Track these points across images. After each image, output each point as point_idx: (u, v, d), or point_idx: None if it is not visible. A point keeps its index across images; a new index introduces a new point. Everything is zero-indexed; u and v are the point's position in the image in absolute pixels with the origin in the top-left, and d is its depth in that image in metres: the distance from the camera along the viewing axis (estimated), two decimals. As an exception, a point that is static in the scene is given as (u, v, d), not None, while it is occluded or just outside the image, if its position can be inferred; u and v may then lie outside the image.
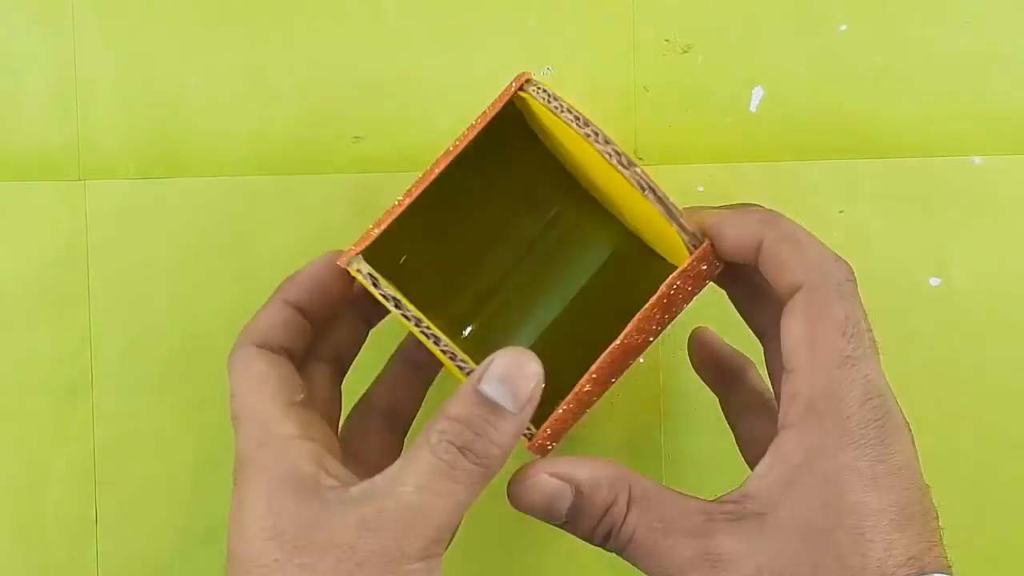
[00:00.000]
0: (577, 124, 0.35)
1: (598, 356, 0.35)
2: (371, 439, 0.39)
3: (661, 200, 0.34)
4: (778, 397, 0.35)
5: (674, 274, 0.35)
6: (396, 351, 0.41)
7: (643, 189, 0.34)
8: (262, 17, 0.45)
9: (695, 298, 0.36)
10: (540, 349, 0.33)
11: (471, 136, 0.36)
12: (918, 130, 0.45)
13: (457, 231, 0.42)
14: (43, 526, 0.45)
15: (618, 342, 0.34)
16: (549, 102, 0.35)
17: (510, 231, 0.43)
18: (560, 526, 0.33)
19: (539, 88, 0.35)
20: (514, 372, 0.31)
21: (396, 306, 0.34)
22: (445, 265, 0.43)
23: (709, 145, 0.45)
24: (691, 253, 0.35)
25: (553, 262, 0.43)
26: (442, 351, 0.34)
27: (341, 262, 0.35)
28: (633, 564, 0.33)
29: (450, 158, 0.36)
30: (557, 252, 0.43)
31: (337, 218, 0.45)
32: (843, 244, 0.45)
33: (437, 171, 0.35)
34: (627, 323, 0.35)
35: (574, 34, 0.45)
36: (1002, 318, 0.45)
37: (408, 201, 0.35)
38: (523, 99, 0.36)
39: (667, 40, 0.45)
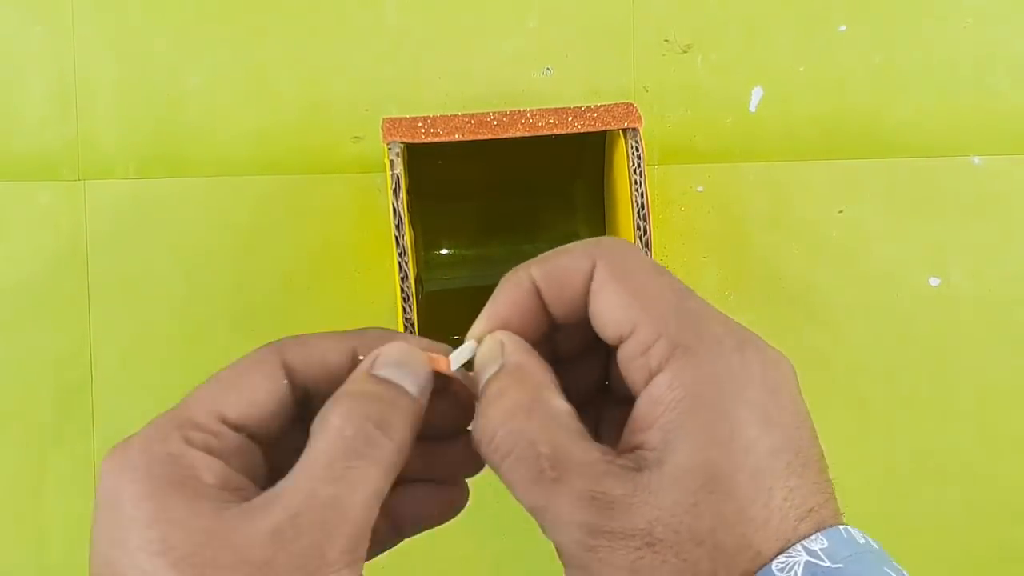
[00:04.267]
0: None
1: None
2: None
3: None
4: (622, 393, 0.30)
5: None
6: None
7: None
8: (262, 17, 0.45)
9: None
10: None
11: (561, 130, 0.38)
12: (918, 130, 0.45)
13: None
14: (43, 526, 0.45)
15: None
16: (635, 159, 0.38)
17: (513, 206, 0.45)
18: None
19: (637, 142, 0.38)
20: (408, 357, 0.29)
21: (398, 225, 0.37)
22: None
23: (709, 145, 0.45)
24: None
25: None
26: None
27: (386, 137, 0.38)
28: (506, 483, 0.29)
29: (533, 132, 0.38)
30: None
31: (337, 218, 0.45)
32: (843, 244, 0.45)
33: (514, 134, 0.38)
34: None
35: (574, 34, 0.45)
36: (1001, 318, 0.45)
37: (467, 137, 0.38)
38: (616, 135, 0.38)
39: (667, 40, 0.45)
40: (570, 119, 0.38)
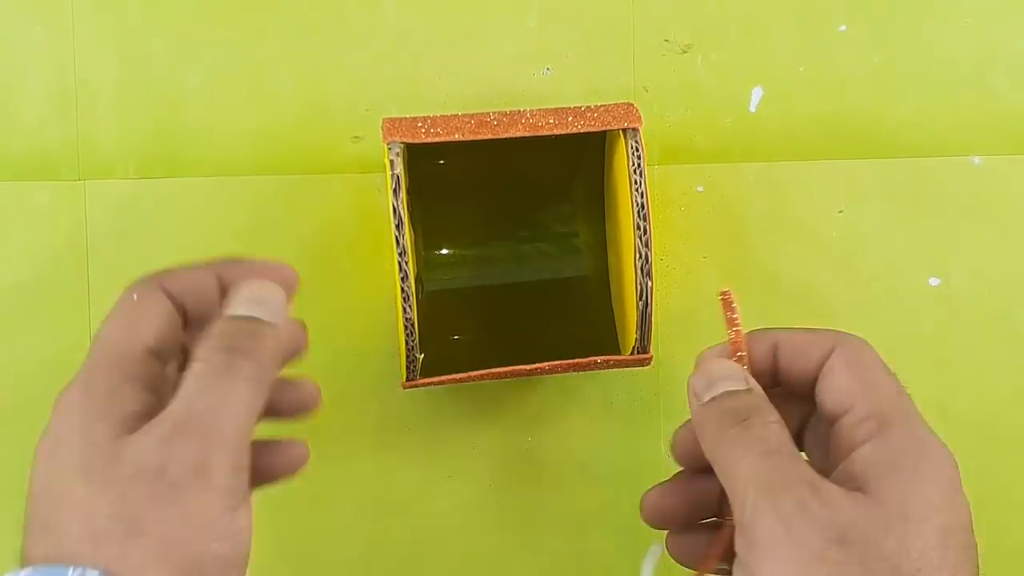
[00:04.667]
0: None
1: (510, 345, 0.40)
2: None
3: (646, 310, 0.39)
4: None
5: (604, 357, 0.40)
6: None
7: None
8: (262, 17, 0.45)
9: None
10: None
11: (561, 130, 0.38)
12: (917, 130, 0.45)
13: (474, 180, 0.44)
14: (43, 526, 0.45)
15: (526, 367, 0.39)
16: (636, 159, 0.38)
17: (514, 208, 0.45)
18: (705, 400, 0.34)
19: (637, 142, 0.38)
20: (261, 291, 0.34)
21: (398, 225, 0.38)
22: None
23: (709, 145, 0.45)
24: (634, 352, 0.39)
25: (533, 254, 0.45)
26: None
27: (386, 138, 0.38)
28: (719, 451, 0.32)
29: (533, 132, 0.38)
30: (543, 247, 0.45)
31: (337, 218, 0.45)
32: (843, 244, 0.45)
33: (514, 134, 0.38)
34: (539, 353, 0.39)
35: (574, 34, 0.45)
36: (1001, 318, 0.45)
37: (467, 137, 0.38)
38: (617, 135, 0.39)
39: (667, 40, 0.45)
40: (570, 119, 0.38)
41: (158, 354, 0.34)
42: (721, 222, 0.45)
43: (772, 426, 0.32)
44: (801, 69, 0.45)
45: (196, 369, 0.32)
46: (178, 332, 0.35)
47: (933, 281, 0.45)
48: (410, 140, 0.38)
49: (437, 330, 0.41)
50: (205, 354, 0.32)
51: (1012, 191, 0.45)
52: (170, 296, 0.35)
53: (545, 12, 0.45)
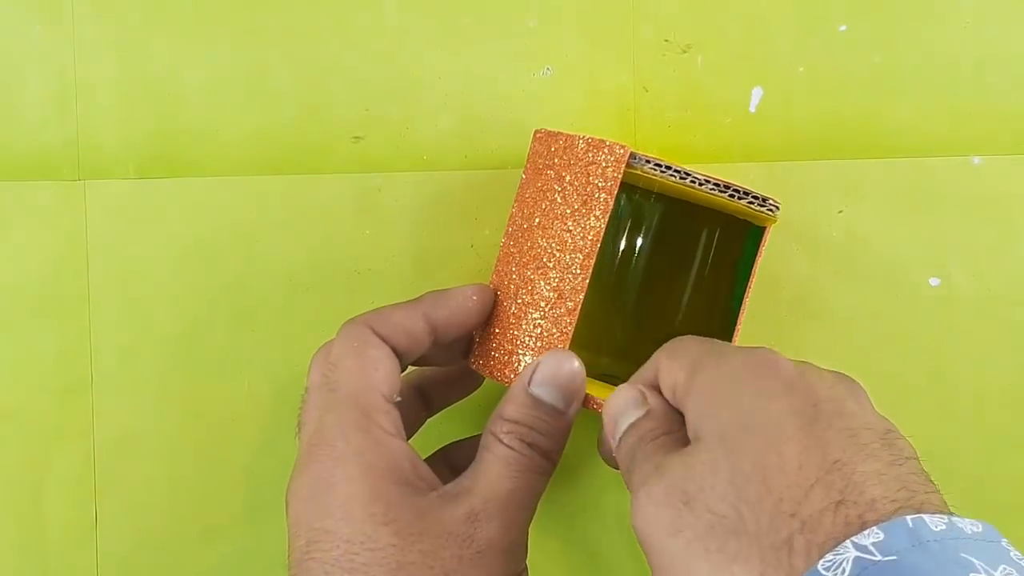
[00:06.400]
0: (719, 190, 0.38)
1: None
2: None
3: (762, 201, 0.39)
4: None
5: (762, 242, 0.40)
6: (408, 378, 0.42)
7: (774, 211, 0.39)
8: (262, 17, 0.45)
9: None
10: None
11: (599, 236, 0.37)
12: (917, 130, 0.45)
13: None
14: (43, 526, 0.45)
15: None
16: (683, 178, 0.38)
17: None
18: (617, 438, 0.35)
19: (656, 164, 0.37)
20: (560, 374, 0.36)
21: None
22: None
23: (709, 145, 0.45)
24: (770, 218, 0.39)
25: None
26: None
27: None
28: (626, 479, 0.34)
29: (596, 248, 0.37)
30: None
31: (337, 218, 0.45)
32: (843, 244, 0.45)
33: (590, 264, 0.37)
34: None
35: (574, 34, 0.45)
36: (1001, 318, 0.45)
37: (580, 301, 0.37)
38: (633, 173, 0.37)
39: (667, 40, 0.45)
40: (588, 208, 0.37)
41: (392, 399, 0.36)
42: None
43: (654, 442, 0.33)
44: (801, 69, 0.45)
45: (504, 454, 0.35)
46: (398, 375, 0.37)
47: (933, 281, 0.45)
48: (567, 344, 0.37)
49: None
50: (509, 440, 0.35)
51: (1012, 191, 0.45)
52: (383, 339, 0.37)
53: (545, 12, 0.45)
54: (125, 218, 0.45)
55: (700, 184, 0.37)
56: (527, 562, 0.36)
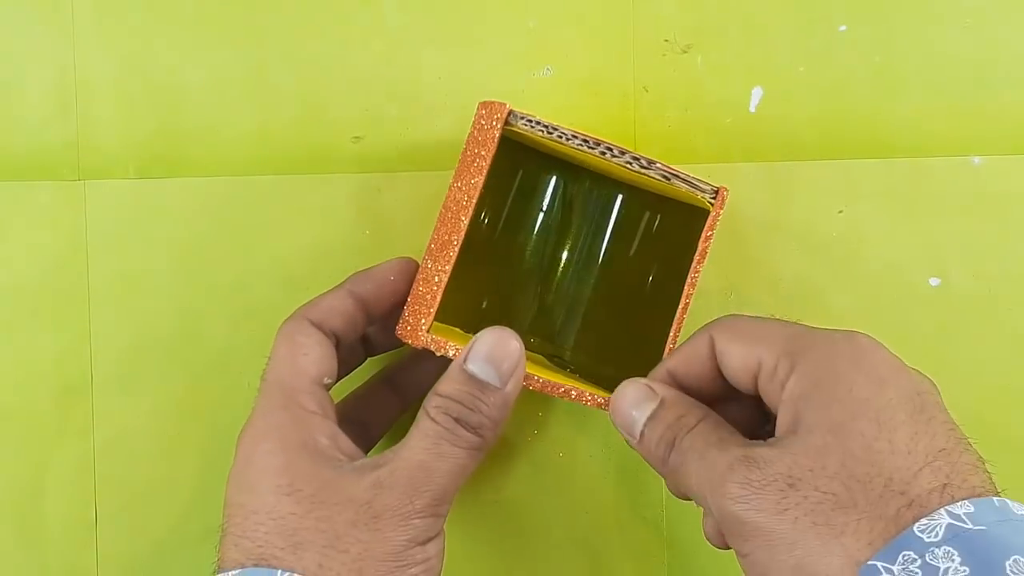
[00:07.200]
0: (588, 146, 0.38)
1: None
2: None
3: (685, 181, 0.38)
4: None
5: (706, 227, 0.39)
6: (378, 371, 0.44)
7: (668, 179, 0.38)
8: (262, 17, 0.45)
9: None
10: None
11: (478, 192, 0.38)
12: (917, 130, 0.45)
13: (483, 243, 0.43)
14: (43, 526, 0.45)
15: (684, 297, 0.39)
16: (533, 127, 0.38)
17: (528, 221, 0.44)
18: (637, 434, 0.36)
19: (531, 121, 0.38)
20: (496, 351, 0.35)
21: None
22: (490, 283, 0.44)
23: (709, 145, 0.45)
24: (712, 207, 0.39)
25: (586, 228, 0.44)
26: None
27: (416, 342, 0.38)
28: (676, 478, 0.35)
29: (468, 215, 0.38)
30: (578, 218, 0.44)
31: (337, 218, 0.45)
32: (843, 244, 0.45)
33: (462, 233, 0.38)
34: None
35: (574, 34, 0.45)
36: (1001, 318, 0.45)
37: (449, 269, 0.38)
38: (512, 130, 0.38)
39: (667, 40, 0.45)
40: (460, 176, 0.38)
41: (321, 381, 0.37)
42: (721, 222, 0.45)
43: (692, 431, 0.35)
44: (801, 69, 0.45)
45: (425, 427, 0.35)
46: (333, 357, 0.38)
47: (933, 281, 0.45)
48: (431, 321, 0.38)
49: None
50: (435, 413, 0.35)
51: (1012, 191, 0.45)
52: (317, 326, 0.38)
53: (545, 12, 0.45)
54: (125, 218, 0.45)
55: (567, 139, 0.38)
56: (444, 543, 0.36)
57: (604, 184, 0.43)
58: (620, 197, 0.43)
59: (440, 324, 0.40)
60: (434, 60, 0.45)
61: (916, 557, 0.28)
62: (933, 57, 0.45)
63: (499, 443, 0.45)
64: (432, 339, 0.38)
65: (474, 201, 0.37)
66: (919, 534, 0.29)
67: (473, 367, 0.35)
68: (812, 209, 0.45)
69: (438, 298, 0.38)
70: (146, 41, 0.45)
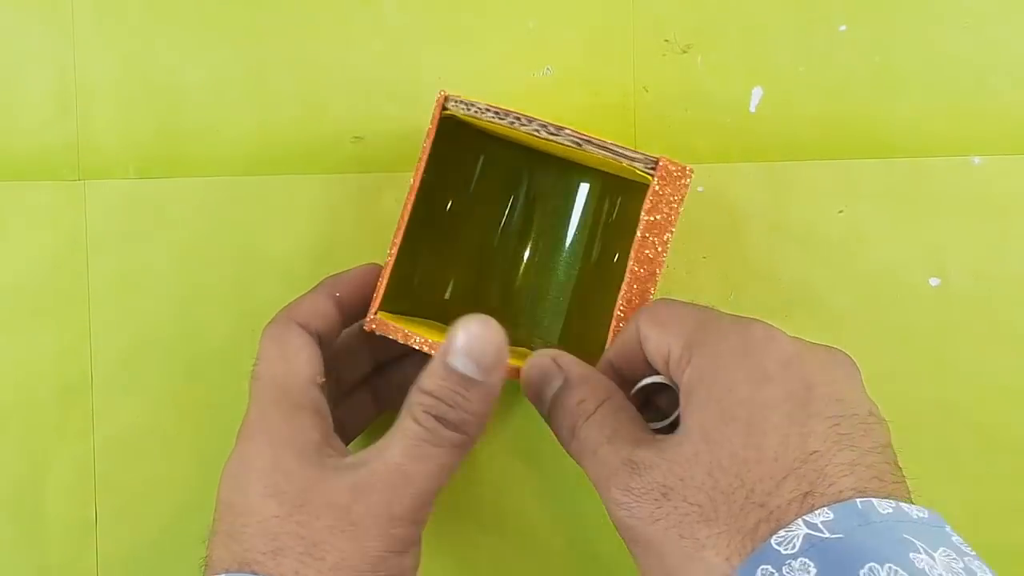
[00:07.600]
0: (498, 118, 0.38)
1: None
2: None
3: (601, 146, 0.37)
4: None
5: (645, 200, 0.37)
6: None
7: (580, 145, 0.37)
8: (262, 17, 0.45)
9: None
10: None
11: (420, 173, 0.39)
12: (917, 130, 0.45)
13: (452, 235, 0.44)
14: (43, 526, 0.45)
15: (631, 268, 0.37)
16: (468, 109, 0.38)
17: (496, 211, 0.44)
18: (546, 413, 0.36)
19: (457, 101, 0.38)
20: (476, 343, 0.34)
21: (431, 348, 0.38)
22: (459, 268, 0.44)
23: (709, 145, 0.45)
24: (652, 176, 0.37)
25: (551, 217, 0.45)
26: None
27: (367, 327, 0.39)
28: (578, 461, 0.35)
29: (412, 197, 0.39)
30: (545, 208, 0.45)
31: (337, 218, 0.45)
32: (843, 244, 0.45)
33: (407, 215, 0.39)
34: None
35: (574, 34, 0.45)
36: (1001, 318, 0.45)
37: (395, 252, 0.39)
38: (452, 115, 0.39)
39: (667, 40, 0.45)
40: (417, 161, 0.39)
41: (314, 380, 0.37)
42: (721, 222, 0.45)
43: (590, 420, 0.34)
44: (801, 69, 0.45)
45: (406, 427, 0.34)
46: (320, 357, 0.38)
47: (933, 281, 0.45)
48: (376, 307, 0.39)
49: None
50: (417, 412, 0.34)
51: (1012, 191, 0.45)
52: (303, 328, 0.38)
53: (545, 12, 0.45)
54: (125, 218, 0.45)
55: (480, 113, 0.38)
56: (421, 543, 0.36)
57: (570, 171, 0.43)
58: (586, 183, 0.43)
59: (410, 317, 0.41)
60: (434, 60, 0.45)
61: (773, 571, 0.28)
62: (933, 57, 0.45)
63: (498, 443, 0.45)
64: (379, 322, 0.38)
65: (417, 183, 0.38)
66: (776, 547, 0.28)
67: (453, 360, 0.34)
68: (812, 209, 0.45)
69: (386, 279, 0.39)
70: (146, 41, 0.45)
